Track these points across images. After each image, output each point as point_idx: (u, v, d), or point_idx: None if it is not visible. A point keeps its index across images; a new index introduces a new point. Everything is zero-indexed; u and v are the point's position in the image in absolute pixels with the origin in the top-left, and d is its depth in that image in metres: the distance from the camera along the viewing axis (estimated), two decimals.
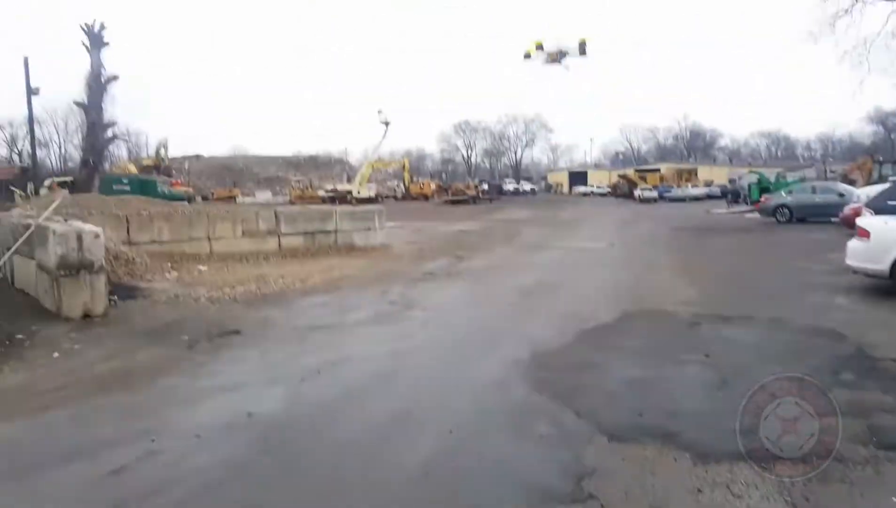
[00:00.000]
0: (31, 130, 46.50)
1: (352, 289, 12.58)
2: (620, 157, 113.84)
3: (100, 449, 5.00)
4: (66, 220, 11.24)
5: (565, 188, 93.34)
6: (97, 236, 10.48)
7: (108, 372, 7.18)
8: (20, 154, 76.40)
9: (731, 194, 51.68)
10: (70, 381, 6.82)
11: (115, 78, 36.90)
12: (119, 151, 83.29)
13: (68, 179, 45.69)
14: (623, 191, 69.70)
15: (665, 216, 36.68)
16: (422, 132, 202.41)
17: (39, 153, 77.41)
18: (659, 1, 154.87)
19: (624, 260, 16.73)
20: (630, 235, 25.29)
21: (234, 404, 6.02)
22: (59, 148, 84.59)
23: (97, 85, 35.70)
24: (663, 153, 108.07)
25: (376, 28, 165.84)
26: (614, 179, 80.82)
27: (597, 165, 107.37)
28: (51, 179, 47.36)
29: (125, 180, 46.46)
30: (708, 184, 68.79)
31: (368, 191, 59.66)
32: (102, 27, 35.23)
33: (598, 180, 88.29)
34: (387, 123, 62.35)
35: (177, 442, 5.15)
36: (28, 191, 40.85)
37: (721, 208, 44.02)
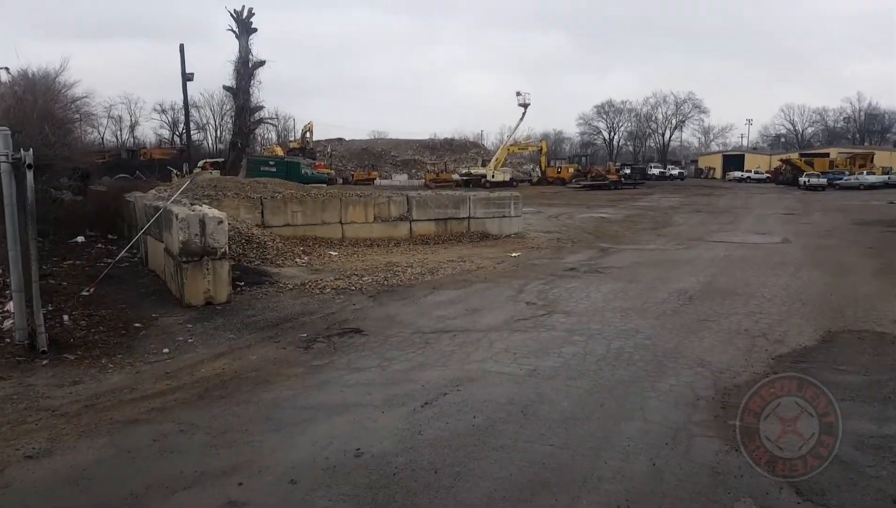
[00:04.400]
0: (186, 114, 49.65)
1: (484, 284, 11.31)
2: (782, 140, 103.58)
3: (176, 490, 4.08)
4: (191, 204, 10.85)
5: (718, 173, 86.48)
6: (220, 221, 9.96)
7: (213, 376, 6.41)
8: (181, 137, 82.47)
9: None
10: (170, 387, 6.09)
11: (261, 63, 37.80)
12: (269, 134, 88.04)
13: (220, 160, 48.19)
14: (786, 177, 63.01)
15: (840, 207, 32.20)
16: (561, 115, 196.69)
17: (198, 136, 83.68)
18: None
19: (806, 260, 14.16)
20: (804, 228, 22.04)
21: (341, 433, 4.94)
22: (216, 131, 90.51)
23: (245, 70, 36.75)
24: (831, 137, 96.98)
25: (515, 9, 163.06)
26: (775, 163, 73.54)
27: (754, 149, 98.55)
28: (204, 160, 50.36)
29: (272, 162, 48.45)
30: (887, 171, 60.59)
31: (503, 175, 58.13)
32: (251, 13, 36.13)
33: (756, 165, 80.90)
34: (525, 106, 60.51)
35: (266, 490, 4.11)
36: (183, 170, 43.41)
37: None
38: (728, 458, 4.52)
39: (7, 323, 7.72)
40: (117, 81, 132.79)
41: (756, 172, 75.15)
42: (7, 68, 38.87)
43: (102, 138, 77.73)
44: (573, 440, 4.79)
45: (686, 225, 23.42)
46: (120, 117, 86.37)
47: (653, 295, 10.31)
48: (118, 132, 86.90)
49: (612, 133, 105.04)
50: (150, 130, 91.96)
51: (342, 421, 5.18)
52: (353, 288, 10.87)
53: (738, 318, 8.76)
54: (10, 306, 7.92)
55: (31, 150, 7.33)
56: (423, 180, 59.94)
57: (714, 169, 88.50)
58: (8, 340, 7.22)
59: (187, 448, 4.69)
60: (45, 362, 6.68)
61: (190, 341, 7.76)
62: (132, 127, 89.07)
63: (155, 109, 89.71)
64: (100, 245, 15.91)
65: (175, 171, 43.42)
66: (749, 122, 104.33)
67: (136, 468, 4.37)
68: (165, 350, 7.32)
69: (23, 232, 6.89)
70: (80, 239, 16.59)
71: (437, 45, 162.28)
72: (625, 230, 21.36)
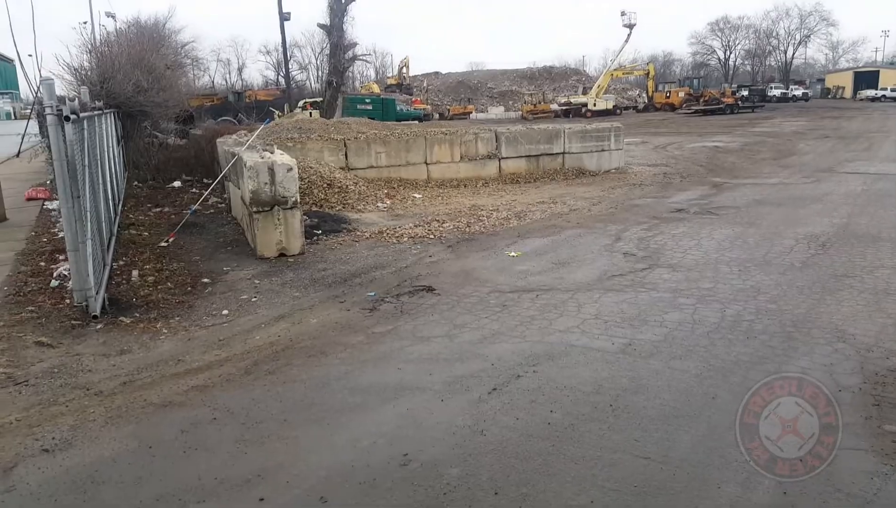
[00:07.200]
0: (284, 54, 49.93)
1: (576, 230, 10.16)
2: None
3: (188, 504, 3.47)
4: (262, 150, 10.29)
5: (847, 92, 78.03)
6: (290, 168, 9.33)
7: (267, 345, 5.83)
8: (286, 77, 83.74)
9: None
10: (219, 358, 5.55)
11: None
12: (368, 71, 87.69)
13: (319, 99, 48.33)
14: None
15: None
16: (671, 34, 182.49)
17: (301, 76, 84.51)
18: None
19: None
20: None
21: (389, 430, 4.17)
22: (317, 71, 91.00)
23: (338, 6, 35.78)
24: None
25: None
26: None
27: (891, 64, 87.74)
28: (304, 100, 50.72)
29: (367, 100, 48.24)
30: None
31: (606, 103, 54.75)
32: None
33: (893, 82, 72.11)
34: (630, 27, 56.27)
35: None
36: (284, 111, 43.87)
37: None
38: (889, 486, 3.38)
39: (69, 283, 7.49)
40: (226, 24, 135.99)
41: (893, 90, 66.95)
42: (114, 15, 39.97)
43: (213, 82, 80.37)
44: (675, 451, 3.78)
45: (813, 154, 20.82)
46: (228, 61, 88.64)
47: (777, 243, 8.84)
48: (227, 75, 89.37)
49: (728, 52, 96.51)
50: (257, 71, 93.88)
51: (393, 412, 4.41)
52: (432, 236, 10.07)
53: (885, 273, 7.24)
54: (65, 267, 7.69)
55: (77, 101, 6.89)
56: (520, 112, 57.67)
57: (843, 88, 79.90)
58: (68, 300, 6.96)
59: (215, 444, 4.08)
60: (99, 326, 6.34)
61: (253, 299, 7.26)
62: (240, 70, 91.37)
63: (260, 51, 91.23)
64: (194, 190, 15.92)
65: (277, 112, 43.96)
66: (885, 33, 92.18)
67: (152, 469, 3.81)
68: (225, 312, 6.83)
69: (73, 187, 6.48)
70: (176, 184, 16.74)
71: None
72: (742, 161, 19.21)
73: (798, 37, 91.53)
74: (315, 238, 10.22)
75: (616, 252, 8.68)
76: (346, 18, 38.02)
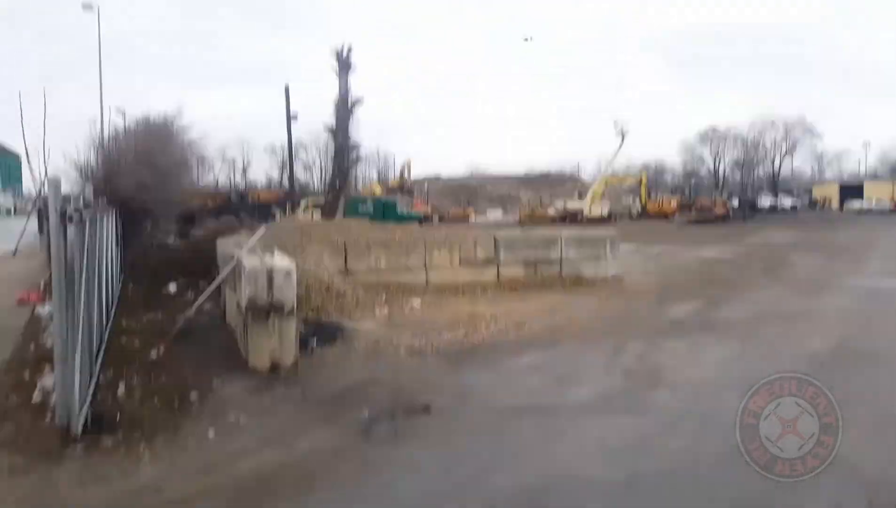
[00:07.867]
0: (290, 154, 51.11)
1: (575, 344, 10.05)
2: None
3: None
4: (262, 253, 10.31)
5: (834, 203, 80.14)
6: (288, 273, 9.26)
7: (251, 476, 5.54)
8: (290, 178, 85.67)
9: None
10: (199, 490, 5.27)
11: (359, 101, 37.65)
12: (370, 172, 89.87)
13: (322, 200, 49.20)
14: None
15: None
16: (662, 143, 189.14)
17: (305, 176, 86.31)
18: None
19: None
20: None
21: None
22: (321, 171, 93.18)
23: (344, 109, 36.60)
24: None
25: (612, 34, 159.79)
26: None
27: (875, 176, 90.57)
28: (306, 199, 51.67)
29: (369, 201, 49.07)
30: None
31: (601, 209, 56.13)
32: (349, 50, 35.79)
33: (877, 194, 74.35)
34: (623, 135, 58.54)
35: None
36: (287, 211, 44.54)
37: None
38: None
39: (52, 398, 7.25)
40: (231, 125, 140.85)
41: (877, 203, 68.77)
42: (123, 112, 41.37)
43: (217, 180, 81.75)
44: None
45: (806, 267, 21.01)
46: (233, 160, 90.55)
47: (775, 361, 8.71)
48: (231, 174, 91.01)
49: (718, 161, 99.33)
50: (262, 171, 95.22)
51: None
52: (430, 348, 9.93)
53: (887, 393, 7.10)
54: (50, 379, 7.46)
55: (81, 199, 6.94)
56: (517, 218, 58.81)
57: (830, 200, 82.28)
58: (49, 418, 6.71)
59: None
60: (79, 447, 6.07)
61: (241, 421, 6.96)
62: (244, 169, 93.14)
63: (265, 150, 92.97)
64: (190, 294, 15.77)
65: (279, 212, 44.65)
66: (867, 146, 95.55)
67: None
68: (210, 434, 6.55)
69: (69, 296, 6.39)
70: (171, 288, 16.51)
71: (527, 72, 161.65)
72: (735, 273, 19.32)
73: (784, 147, 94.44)
74: (309, 349, 10.03)
75: (616, 369, 8.53)
76: (351, 121, 39.10)
